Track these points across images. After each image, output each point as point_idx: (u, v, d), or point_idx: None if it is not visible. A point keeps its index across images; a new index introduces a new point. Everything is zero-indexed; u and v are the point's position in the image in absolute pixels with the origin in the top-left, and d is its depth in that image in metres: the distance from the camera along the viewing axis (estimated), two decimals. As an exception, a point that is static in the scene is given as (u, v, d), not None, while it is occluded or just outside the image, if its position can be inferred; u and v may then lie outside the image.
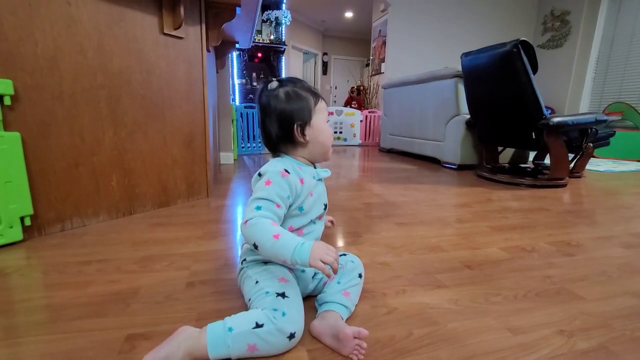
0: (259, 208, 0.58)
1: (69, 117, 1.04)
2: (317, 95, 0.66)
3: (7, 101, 0.90)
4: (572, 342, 0.58)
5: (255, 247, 0.56)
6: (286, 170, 0.61)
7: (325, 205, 0.70)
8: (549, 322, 0.64)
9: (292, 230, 0.64)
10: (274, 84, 0.66)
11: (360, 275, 0.69)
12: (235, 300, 0.69)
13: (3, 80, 0.88)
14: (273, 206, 0.59)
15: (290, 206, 0.63)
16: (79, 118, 1.06)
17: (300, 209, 0.64)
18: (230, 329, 0.51)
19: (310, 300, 0.67)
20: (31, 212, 0.97)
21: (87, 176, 1.11)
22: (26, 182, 0.95)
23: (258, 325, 0.51)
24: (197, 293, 0.72)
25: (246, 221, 0.58)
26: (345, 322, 0.60)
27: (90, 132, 1.10)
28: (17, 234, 0.95)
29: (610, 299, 0.74)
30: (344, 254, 0.74)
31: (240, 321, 0.52)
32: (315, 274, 0.69)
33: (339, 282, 0.66)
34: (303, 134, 0.64)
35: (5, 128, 0.91)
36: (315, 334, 0.58)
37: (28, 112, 0.95)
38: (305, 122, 0.64)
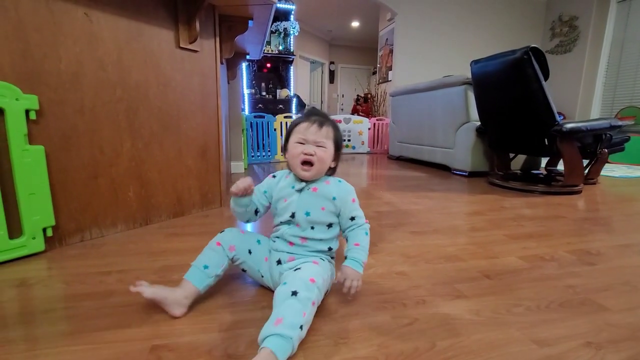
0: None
1: (90, 130, 1.07)
2: (300, 120, 0.78)
3: (32, 116, 0.93)
4: (601, 354, 0.57)
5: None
6: (274, 175, 0.81)
7: (293, 214, 0.74)
8: (574, 334, 0.63)
9: (274, 226, 0.78)
10: None
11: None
12: (255, 312, 0.69)
13: (29, 95, 0.92)
14: (257, 192, 0.79)
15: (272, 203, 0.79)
16: (98, 131, 1.09)
17: (275, 208, 0.78)
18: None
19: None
20: (53, 223, 0.99)
21: (105, 187, 1.13)
22: (49, 194, 0.97)
23: None
24: (216, 304, 0.73)
25: None
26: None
27: (109, 144, 1.12)
28: (39, 244, 0.97)
29: (637, 310, 0.72)
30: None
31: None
32: (279, 260, 0.73)
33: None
34: (284, 153, 0.80)
35: (30, 142, 0.94)
36: None
37: (51, 126, 0.98)
38: (286, 144, 0.79)
